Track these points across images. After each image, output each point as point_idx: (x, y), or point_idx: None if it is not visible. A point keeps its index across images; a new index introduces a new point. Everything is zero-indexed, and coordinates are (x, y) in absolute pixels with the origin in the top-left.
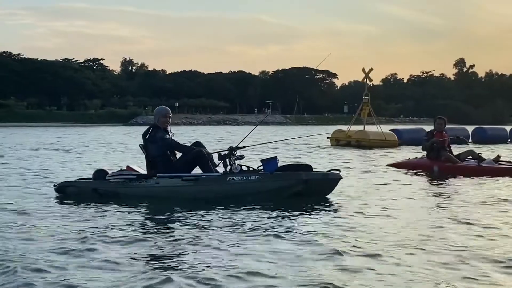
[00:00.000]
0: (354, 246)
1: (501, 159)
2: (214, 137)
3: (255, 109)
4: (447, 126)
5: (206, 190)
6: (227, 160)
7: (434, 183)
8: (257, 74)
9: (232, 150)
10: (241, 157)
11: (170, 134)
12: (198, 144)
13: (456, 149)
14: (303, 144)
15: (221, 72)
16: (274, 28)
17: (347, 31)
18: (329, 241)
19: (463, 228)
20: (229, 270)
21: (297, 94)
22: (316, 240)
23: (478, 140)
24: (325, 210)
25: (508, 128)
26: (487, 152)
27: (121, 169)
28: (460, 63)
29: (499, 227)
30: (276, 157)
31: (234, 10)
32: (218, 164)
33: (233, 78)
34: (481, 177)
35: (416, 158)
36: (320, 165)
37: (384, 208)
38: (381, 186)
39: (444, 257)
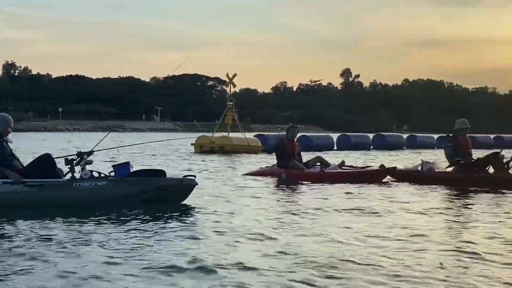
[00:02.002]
0: (205, 253)
1: (346, 164)
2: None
3: (143, 116)
4: (315, 134)
5: (51, 196)
6: (76, 165)
7: (279, 190)
8: (147, 80)
9: (81, 155)
10: (89, 162)
11: (8, 141)
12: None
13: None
14: (169, 151)
15: (109, 78)
16: (179, 36)
17: (252, 41)
18: (176, 250)
19: (291, 231)
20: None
21: (187, 101)
22: (164, 248)
23: (343, 147)
24: (172, 219)
25: (371, 135)
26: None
27: None
28: (346, 73)
29: (326, 230)
30: (128, 162)
31: (137, 16)
32: (69, 172)
33: (122, 83)
34: (324, 182)
35: (267, 166)
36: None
37: (231, 214)
38: (230, 193)
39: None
